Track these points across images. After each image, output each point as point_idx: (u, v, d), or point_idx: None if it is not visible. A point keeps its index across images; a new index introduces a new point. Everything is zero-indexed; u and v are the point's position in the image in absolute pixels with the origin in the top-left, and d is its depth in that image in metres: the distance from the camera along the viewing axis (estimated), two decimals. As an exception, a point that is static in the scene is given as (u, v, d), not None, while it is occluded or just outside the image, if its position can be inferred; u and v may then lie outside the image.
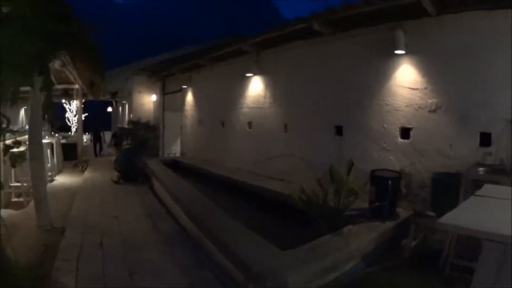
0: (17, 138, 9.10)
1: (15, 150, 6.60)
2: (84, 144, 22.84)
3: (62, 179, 13.67)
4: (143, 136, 16.97)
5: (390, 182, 6.02)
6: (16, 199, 9.76)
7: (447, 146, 6.53)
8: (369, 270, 5.06)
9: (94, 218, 8.01)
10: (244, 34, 11.36)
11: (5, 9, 5.20)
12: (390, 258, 5.43)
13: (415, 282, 4.87)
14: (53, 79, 15.81)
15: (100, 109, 36.37)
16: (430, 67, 6.83)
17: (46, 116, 6.73)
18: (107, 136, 26.72)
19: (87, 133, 27.89)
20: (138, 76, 19.83)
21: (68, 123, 30.73)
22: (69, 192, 11.07)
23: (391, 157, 7.36)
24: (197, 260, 5.71)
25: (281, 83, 10.50)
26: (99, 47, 8.39)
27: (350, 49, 8.28)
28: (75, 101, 22.17)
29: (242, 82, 11.97)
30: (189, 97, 16.30)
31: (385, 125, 7.48)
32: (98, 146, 23.26)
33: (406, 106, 7.13)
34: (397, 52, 7.07)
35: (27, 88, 7.24)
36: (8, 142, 7.98)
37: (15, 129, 11.74)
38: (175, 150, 19.08)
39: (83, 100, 24.80)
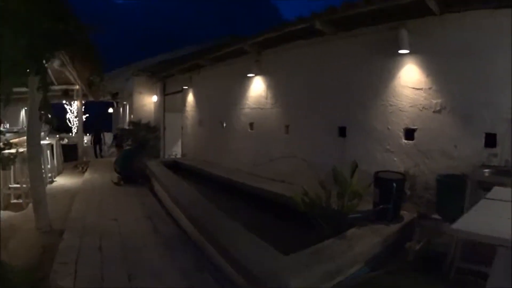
0: (11, 140, 9.05)
1: (6, 152, 6.51)
2: (85, 145, 22.80)
3: (62, 181, 13.60)
4: (144, 137, 16.92)
5: (394, 184, 5.94)
6: (15, 201, 9.69)
7: (452, 147, 6.44)
8: (373, 274, 4.97)
9: (93, 220, 7.94)
10: (244, 34, 11.27)
11: None
12: (394, 262, 5.32)
13: (419, 285, 4.80)
14: (53, 79, 15.98)
15: (101, 110, 36.30)
16: (435, 67, 6.74)
17: (43, 117, 6.62)
18: (108, 137, 26.69)
19: (87, 134, 27.84)
20: (139, 77, 19.81)
21: (69, 124, 30.67)
22: (68, 194, 11.00)
23: (395, 159, 7.27)
24: (198, 263, 5.64)
25: (282, 83, 10.41)
26: (97, 47, 8.34)
27: (352, 49, 8.19)
28: (76, 102, 22.06)
29: (243, 82, 11.89)
30: (190, 97, 16.23)
31: (389, 126, 7.38)
32: (98, 147, 23.21)
33: (411, 106, 7.03)
34: (401, 51, 6.97)
35: (25, 89, 7.19)
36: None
37: (15, 129, 11.71)
38: (176, 151, 19.01)
39: (84, 101, 24.79)
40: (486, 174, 5.57)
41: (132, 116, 20.91)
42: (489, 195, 3.74)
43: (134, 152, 14.50)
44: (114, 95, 26.95)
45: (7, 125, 12.71)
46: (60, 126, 28.93)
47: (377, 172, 6.34)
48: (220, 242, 5.30)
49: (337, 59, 8.55)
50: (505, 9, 5.78)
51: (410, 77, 7.07)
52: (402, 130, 7.19)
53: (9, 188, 9.65)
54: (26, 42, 5.30)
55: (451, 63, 6.48)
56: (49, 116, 6.71)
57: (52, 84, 16.62)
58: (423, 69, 6.88)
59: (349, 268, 4.76)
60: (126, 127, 20.50)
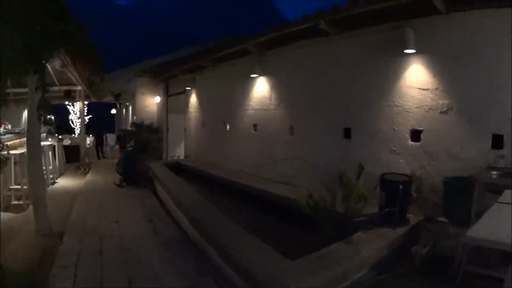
0: (10, 142, 9.00)
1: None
2: (87, 146, 22.78)
3: (63, 182, 13.57)
4: (146, 139, 16.85)
5: (401, 186, 5.85)
6: (16, 202, 9.65)
7: (458, 148, 6.35)
8: (379, 279, 4.90)
9: (94, 222, 7.91)
10: (245, 34, 11.18)
11: None
12: (400, 265, 5.26)
13: (426, 289, 4.72)
14: (55, 80, 15.93)
15: (104, 111, 36.36)
16: (441, 67, 6.64)
17: (42, 117, 6.55)
18: (111, 138, 26.65)
19: (90, 135, 27.83)
20: (141, 78, 19.75)
21: (72, 125, 30.66)
22: (70, 195, 10.97)
23: (401, 160, 7.17)
24: (199, 266, 5.59)
25: (286, 84, 10.32)
26: (98, 47, 8.28)
27: (357, 48, 8.10)
28: (78, 103, 22.03)
29: (247, 83, 11.81)
30: (193, 98, 16.17)
31: (395, 127, 7.28)
32: (100, 148, 23.18)
33: (417, 107, 6.94)
34: (406, 51, 6.88)
35: (27, 90, 7.14)
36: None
37: (17, 130, 11.67)
38: (179, 152, 18.94)
39: (87, 102, 24.80)
40: (494, 176, 5.53)
41: (134, 117, 20.85)
42: (500, 199, 3.68)
43: (137, 154, 14.48)
44: (117, 96, 26.89)
45: (9, 126, 12.62)
46: (62, 127, 28.99)
47: (383, 174, 6.26)
48: (222, 246, 5.24)
49: (341, 59, 8.46)
50: (508, 8, 5.74)
51: (416, 77, 6.97)
52: (408, 131, 7.09)
53: (10, 189, 9.58)
54: (25, 41, 5.23)
55: (458, 63, 6.40)
56: (48, 116, 6.65)
57: (54, 84, 16.61)
58: (429, 69, 6.78)
59: (356, 273, 4.69)
60: (129, 128, 20.42)
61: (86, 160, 19.08)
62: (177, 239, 6.97)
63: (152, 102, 20.09)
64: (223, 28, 61.58)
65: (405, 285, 4.86)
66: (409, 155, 7.06)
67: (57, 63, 10.52)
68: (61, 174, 14.84)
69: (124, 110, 31.56)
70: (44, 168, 11.33)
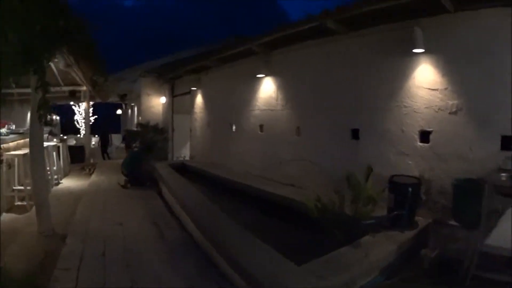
0: (12, 142, 8.98)
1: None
2: (92, 146, 22.79)
3: (68, 183, 13.56)
4: (152, 139, 16.80)
5: (410, 189, 5.76)
6: (19, 203, 9.62)
7: (468, 149, 6.25)
8: (388, 283, 4.84)
9: (97, 224, 7.84)
10: (252, 34, 11.08)
11: None
12: (409, 269, 5.21)
13: (435, 293, 4.66)
14: (59, 80, 15.91)
15: (110, 112, 36.51)
16: (450, 67, 6.54)
17: (43, 117, 6.49)
18: (117, 139, 26.67)
19: (96, 136, 27.88)
20: (146, 78, 19.77)
21: (77, 125, 30.73)
22: (74, 196, 10.94)
23: (409, 162, 7.06)
24: (204, 272, 5.50)
25: (293, 84, 10.25)
26: (100, 47, 8.22)
27: (365, 48, 8.02)
28: (84, 103, 22.05)
29: (253, 83, 11.74)
30: (199, 99, 16.13)
31: (403, 128, 7.18)
32: (105, 149, 23.18)
33: (426, 108, 6.84)
34: (415, 50, 6.79)
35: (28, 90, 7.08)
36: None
37: (21, 131, 11.63)
38: (184, 153, 18.91)
39: (92, 103, 24.84)
40: (503, 179, 5.45)
41: (140, 118, 20.84)
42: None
43: (142, 154, 14.44)
44: (123, 97, 26.97)
45: (13, 126, 12.58)
46: (68, 127, 29.09)
47: (392, 176, 6.17)
48: (228, 250, 5.17)
49: (349, 59, 8.38)
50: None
51: (425, 77, 6.88)
52: (417, 132, 6.99)
53: (13, 190, 9.53)
54: (24, 41, 5.17)
55: (467, 63, 6.31)
56: (49, 117, 6.59)
57: (58, 84, 16.59)
58: (438, 69, 6.68)
59: (364, 278, 4.61)
60: (134, 128, 20.40)
61: (91, 161, 19.12)
62: (182, 242, 6.89)
63: (158, 102, 20.07)
64: (226, 29, 61.96)
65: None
66: (418, 157, 6.96)
67: (61, 63, 10.48)
68: (65, 175, 14.85)
69: (129, 111, 31.69)
70: (48, 168, 11.33)
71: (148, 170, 12.98)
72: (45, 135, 12.17)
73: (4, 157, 8.93)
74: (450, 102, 6.48)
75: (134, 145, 17.11)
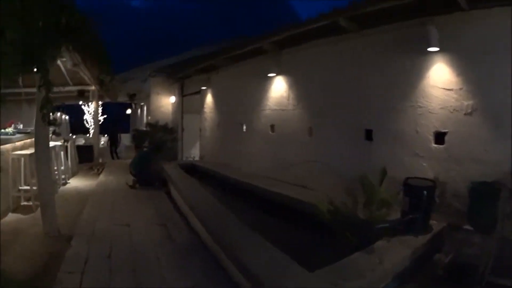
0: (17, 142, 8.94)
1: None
2: (101, 146, 22.81)
3: (75, 183, 13.53)
4: (161, 139, 16.77)
5: (425, 192, 5.63)
6: (25, 203, 9.57)
7: (483, 152, 6.14)
8: (401, 288, 4.73)
9: (104, 225, 7.79)
10: (262, 33, 10.97)
11: None
12: (423, 274, 5.13)
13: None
14: (68, 79, 15.89)
15: (119, 112, 36.61)
16: (465, 66, 6.43)
17: (46, 117, 6.39)
18: (126, 138, 26.70)
19: (105, 135, 27.94)
20: (156, 77, 19.81)
21: (86, 125, 30.82)
22: (81, 196, 10.91)
23: (424, 164, 6.95)
24: (214, 277, 5.41)
25: (305, 83, 10.16)
26: (108, 46, 8.12)
27: (378, 46, 7.93)
28: (93, 102, 22.07)
29: (264, 82, 11.66)
30: (208, 98, 16.09)
31: (418, 129, 7.07)
32: (114, 148, 23.20)
33: (441, 108, 6.72)
34: (430, 49, 6.68)
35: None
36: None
37: (29, 130, 11.59)
38: (194, 153, 18.87)
39: (102, 102, 24.91)
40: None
41: (149, 117, 20.83)
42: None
43: (151, 154, 14.41)
44: (132, 96, 26.99)
45: (21, 126, 12.55)
46: (77, 127, 29.21)
47: (406, 179, 6.04)
48: (237, 254, 5.05)
49: (361, 58, 8.29)
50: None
51: (439, 76, 6.77)
52: (432, 133, 6.87)
53: (19, 190, 9.47)
54: (24, 38, 5.08)
55: (482, 62, 6.21)
56: (52, 116, 6.50)
57: (67, 84, 16.58)
58: (453, 68, 6.57)
59: (378, 284, 4.49)
60: (144, 128, 20.38)
61: (100, 160, 19.16)
62: (191, 245, 6.81)
63: (167, 102, 20.06)
64: (237, 29, 61.94)
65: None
66: (433, 159, 6.85)
67: (68, 63, 10.42)
68: (73, 175, 14.85)
69: (139, 110, 31.76)
70: (55, 168, 11.27)
71: (157, 170, 12.93)
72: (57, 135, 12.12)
73: (10, 157, 8.88)
74: (465, 103, 6.37)
75: (144, 144, 17.09)
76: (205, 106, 16.45)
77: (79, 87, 18.26)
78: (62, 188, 12.13)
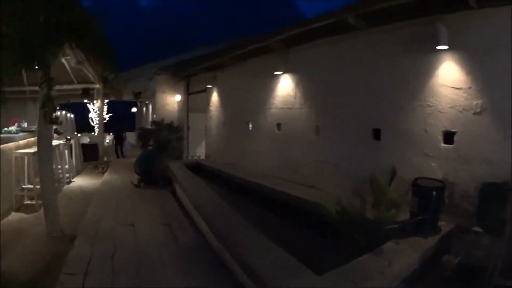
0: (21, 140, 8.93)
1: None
2: (106, 145, 22.84)
3: (80, 181, 13.60)
4: (166, 138, 16.74)
5: (434, 192, 5.58)
6: (29, 202, 9.59)
7: (492, 152, 6.08)
8: (409, 290, 4.71)
9: (108, 225, 7.78)
10: (270, 31, 10.92)
11: None
12: (431, 275, 5.08)
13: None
14: (72, 77, 15.89)
15: (125, 110, 36.73)
16: (474, 65, 6.38)
17: (47, 115, 6.34)
18: (131, 137, 26.72)
19: (110, 134, 27.99)
20: (161, 76, 19.73)
21: (92, 123, 30.91)
22: (85, 195, 10.95)
23: (433, 164, 6.89)
24: (219, 279, 5.36)
25: (312, 82, 10.11)
26: (112, 44, 8.06)
27: (386, 45, 7.87)
28: (98, 101, 22.10)
29: (270, 81, 11.62)
30: (214, 97, 16.07)
31: (427, 129, 7.00)
32: (119, 147, 23.20)
33: (450, 107, 6.66)
34: (439, 47, 6.62)
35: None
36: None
37: (33, 128, 11.57)
38: (199, 152, 18.86)
39: (107, 101, 24.96)
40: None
41: (154, 116, 20.81)
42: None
43: (156, 153, 14.42)
44: (137, 95, 27.01)
45: (25, 124, 12.53)
46: (82, 125, 29.30)
47: (415, 179, 5.98)
48: (243, 256, 5.00)
49: (370, 56, 8.23)
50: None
51: (448, 75, 6.71)
52: (441, 133, 6.81)
53: (22, 189, 9.45)
54: (24, 35, 5.02)
55: (490, 61, 6.14)
56: (53, 114, 6.44)
57: (72, 82, 16.59)
58: (462, 67, 6.52)
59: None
60: (149, 127, 20.37)
61: (105, 159, 19.21)
62: (196, 246, 6.77)
63: (173, 100, 20.03)
64: (241, 29, 62.09)
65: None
66: (442, 159, 6.79)
67: (72, 60, 10.39)
68: (78, 173, 14.94)
69: (144, 109, 31.83)
70: (60, 167, 11.25)
71: (162, 169, 12.93)
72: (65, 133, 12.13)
73: (13, 156, 8.85)
74: (474, 102, 6.31)
75: (149, 143, 17.07)
76: (211, 104, 16.42)
77: (84, 86, 18.33)
78: (66, 186, 12.18)
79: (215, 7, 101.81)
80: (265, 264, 4.59)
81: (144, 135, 18.32)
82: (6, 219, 8.14)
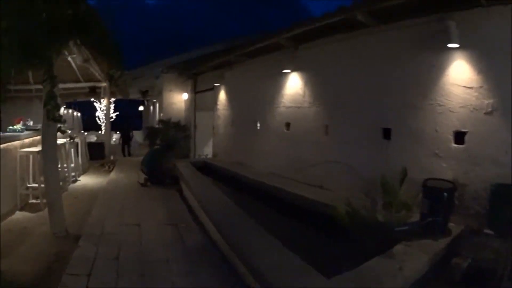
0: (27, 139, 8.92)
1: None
2: (113, 143, 22.85)
3: (86, 180, 13.65)
4: (173, 136, 16.73)
5: (445, 194, 5.54)
6: (34, 201, 9.62)
7: (503, 153, 5.98)
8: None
9: (113, 225, 7.79)
10: (277, 28, 10.85)
11: None
12: (440, 278, 5.01)
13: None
14: (79, 76, 15.87)
15: (132, 108, 36.82)
16: (485, 63, 6.28)
17: (50, 113, 6.29)
18: (138, 135, 26.74)
19: (117, 132, 28.03)
20: (168, 74, 19.74)
21: (98, 121, 30.95)
22: (91, 194, 10.97)
23: (443, 165, 6.81)
24: (225, 279, 5.35)
25: (321, 80, 10.05)
26: (118, 41, 7.99)
27: (397, 42, 7.80)
28: (104, 99, 22.13)
29: (278, 79, 11.56)
30: (222, 95, 16.04)
31: (437, 128, 6.93)
32: (126, 146, 23.21)
33: (461, 107, 6.58)
34: (450, 45, 6.54)
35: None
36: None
37: (38, 127, 11.55)
38: (207, 151, 18.82)
39: (114, 99, 24.97)
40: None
41: (161, 115, 20.81)
42: None
43: (162, 152, 14.42)
44: (144, 93, 27.05)
45: (31, 123, 12.53)
46: (89, 123, 29.37)
47: (426, 180, 5.93)
48: (251, 259, 4.95)
49: (380, 54, 8.16)
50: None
51: (459, 74, 6.63)
52: (452, 133, 6.72)
53: (27, 187, 9.45)
54: (27, 31, 4.98)
55: (502, 59, 6.02)
56: (57, 113, 6.39)
57: (78, 81, 16.59)
58: (473, 66, 6.43)
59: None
60: (156, 125, 20.36)
61: (112, 158, 19.24)
62: (203, 247, 6.75)
63: (180, 99, 20.03)
64: (251, 27, 62.26)
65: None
66: (452, 159, 6.71)
67: (78, 58, 10.37)
68: (84, 172, 15.00)
69: (151, 107, 31.87)
70: (65, 165, 11.23)
71: (169, 168, 12.92)
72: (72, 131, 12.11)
73: (18, 154, 8.84)
74: (486, 102, 6.23)
75: (157, 141, 17.06)
76: (218, 103, 16.39)
77: (91, 84, 18.35)
78: (72, 185, 12.22)
79: (223, 6, 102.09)
80: (272, 266, 4.56)
81: (151, 134, 18.33)
82: (10, 218, 8.17)
